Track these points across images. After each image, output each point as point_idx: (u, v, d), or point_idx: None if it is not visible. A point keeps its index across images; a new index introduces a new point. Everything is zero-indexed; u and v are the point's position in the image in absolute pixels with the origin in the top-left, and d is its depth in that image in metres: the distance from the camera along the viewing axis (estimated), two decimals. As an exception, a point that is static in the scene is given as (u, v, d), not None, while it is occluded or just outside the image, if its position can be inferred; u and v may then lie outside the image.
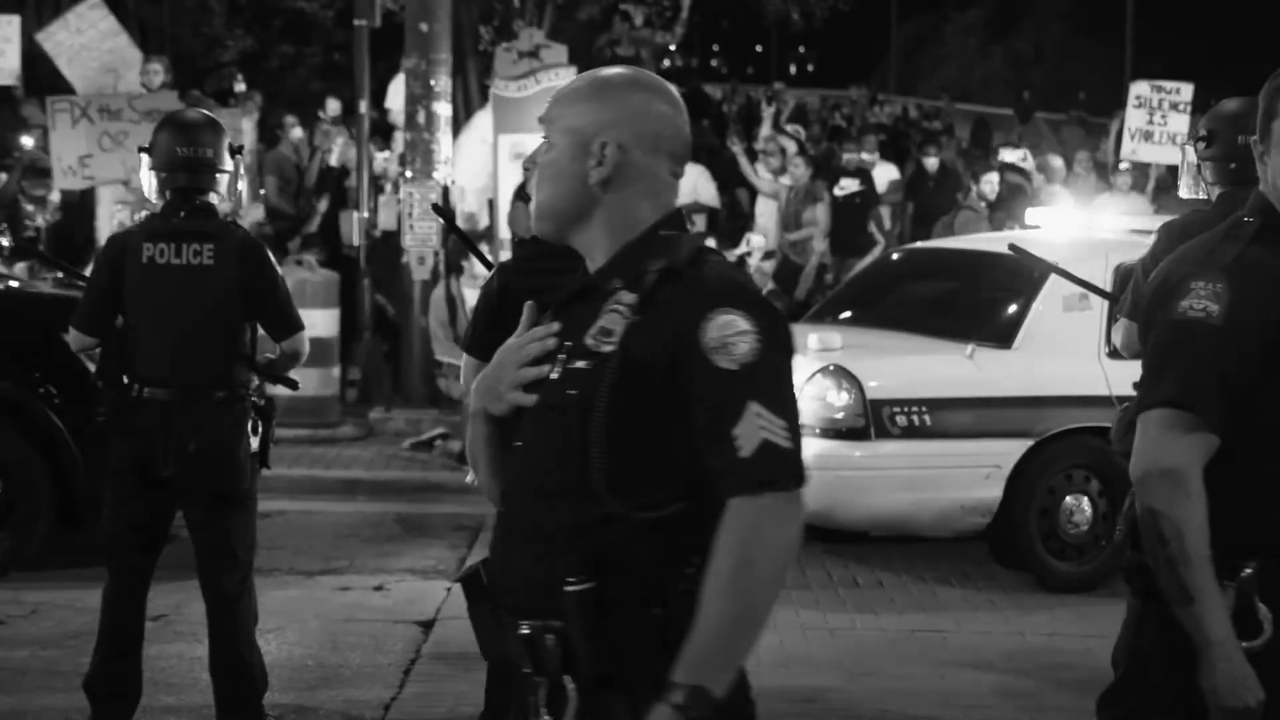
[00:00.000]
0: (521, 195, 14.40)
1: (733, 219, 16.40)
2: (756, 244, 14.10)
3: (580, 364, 2.89)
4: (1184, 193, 6.32)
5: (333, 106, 17.01)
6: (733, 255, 13.68)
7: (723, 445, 2.77)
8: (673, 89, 3.07)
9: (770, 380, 2.81)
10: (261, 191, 14.33)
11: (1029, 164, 16.32)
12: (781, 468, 2.77)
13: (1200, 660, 3.24)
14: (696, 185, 15.63)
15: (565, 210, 3.02)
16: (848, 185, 15.29)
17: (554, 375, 2.93)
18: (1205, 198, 5.94)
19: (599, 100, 3.00)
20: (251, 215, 12.59)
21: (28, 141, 13.91)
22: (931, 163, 17.17)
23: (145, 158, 6.14)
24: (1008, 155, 15.62)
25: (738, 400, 2.77)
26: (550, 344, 2.97)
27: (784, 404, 2.80)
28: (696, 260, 2.92)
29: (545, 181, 3.04)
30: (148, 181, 6.15)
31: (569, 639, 2.82)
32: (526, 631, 2.86)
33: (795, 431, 2.80)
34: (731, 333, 2.80)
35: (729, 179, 16.81)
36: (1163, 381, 3.34)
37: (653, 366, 2.84)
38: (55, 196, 13.07)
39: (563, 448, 2.87)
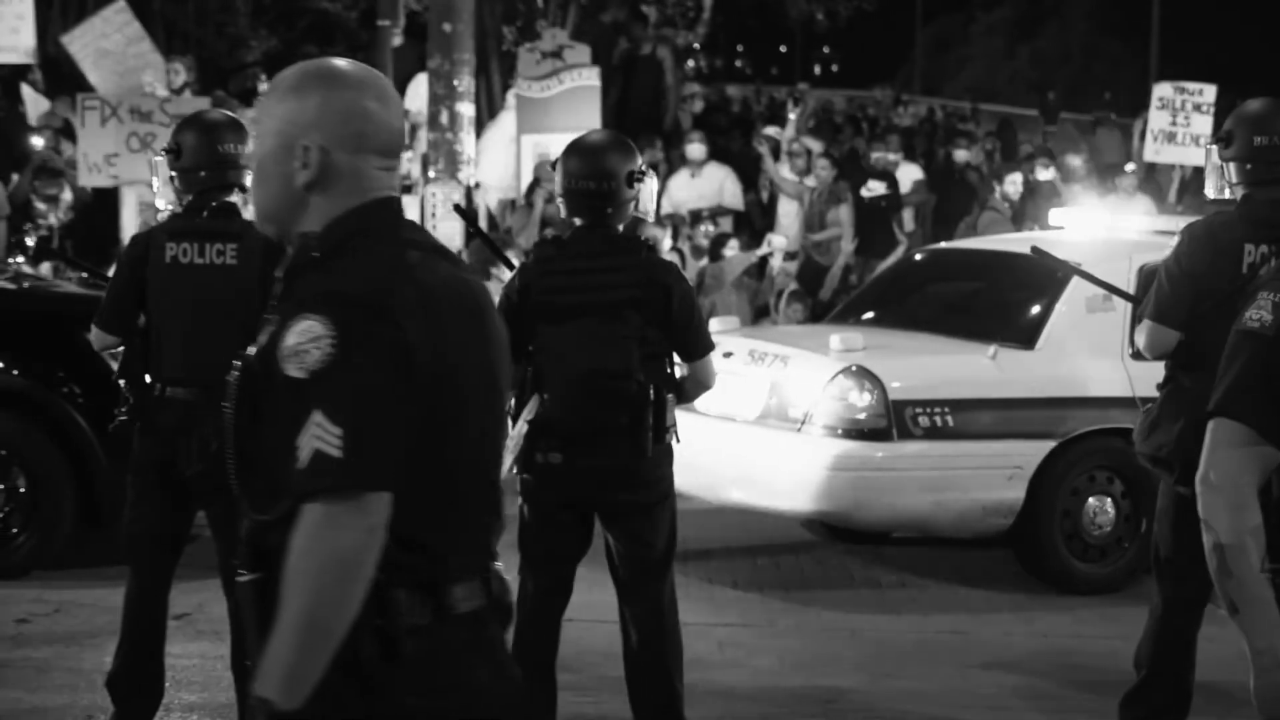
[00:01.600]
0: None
1: (765, 216, 16.39)
2: (778, 244, 14.07)
3: (234, 377, 2.97)
4: (1210, 193, 6.33)
5: None
6: (754, 256, 13.65)
7: (290, 455, 2.76)
8: (383, 80, 3.05)
9: (338, 387, 2.76)
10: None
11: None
12: (329, 477, 2.74)
13: (1250, 668, 3.25)
14: (723, 187, 15.61)
15: (277, 211, 3.02)
16: (875, 188, 15.27)
17: None
18: (1232, 198, 5.93)
19: (301, 100, 2.98)
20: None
21: (38, 142, 14.00)
22: (961, 155, 17.12)
23: (163, 160, 6.13)
24: (1042, 174, 15.57)
25: (305, 409, 2.76)
26: None
27: (348, 411, 2.75)
28: (319, 261, 2.91)
29: (257, 182, 3.05)
30: (164, 184, 6.14)
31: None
32: None
33: (356, 438, 2.74)
34: (306, 340, 2.78)
35: (753, 180, 16.81)
36: (1217, 391, 3.35)
37: (260, 376, 2.87)
38: (68, 196, 13.13)
39: None
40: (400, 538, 2.82)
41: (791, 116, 17.28)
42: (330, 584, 2.73)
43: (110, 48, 14.12)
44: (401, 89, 16.87)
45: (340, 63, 3.07)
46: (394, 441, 2.79)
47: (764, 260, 14.07)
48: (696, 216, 14.44)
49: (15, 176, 13.57)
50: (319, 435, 2.73)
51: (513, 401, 5.81)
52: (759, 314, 13.54)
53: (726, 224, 14.98)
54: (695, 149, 15.72)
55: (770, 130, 16.96)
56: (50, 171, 13.01)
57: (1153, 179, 16.02)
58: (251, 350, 2.93)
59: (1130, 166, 15.07)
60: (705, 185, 15.48)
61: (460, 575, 2.93)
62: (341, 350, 2.76)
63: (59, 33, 15.46)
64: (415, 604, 2.86)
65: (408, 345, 2.82)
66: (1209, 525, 3.25)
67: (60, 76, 15.99)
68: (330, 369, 2.76)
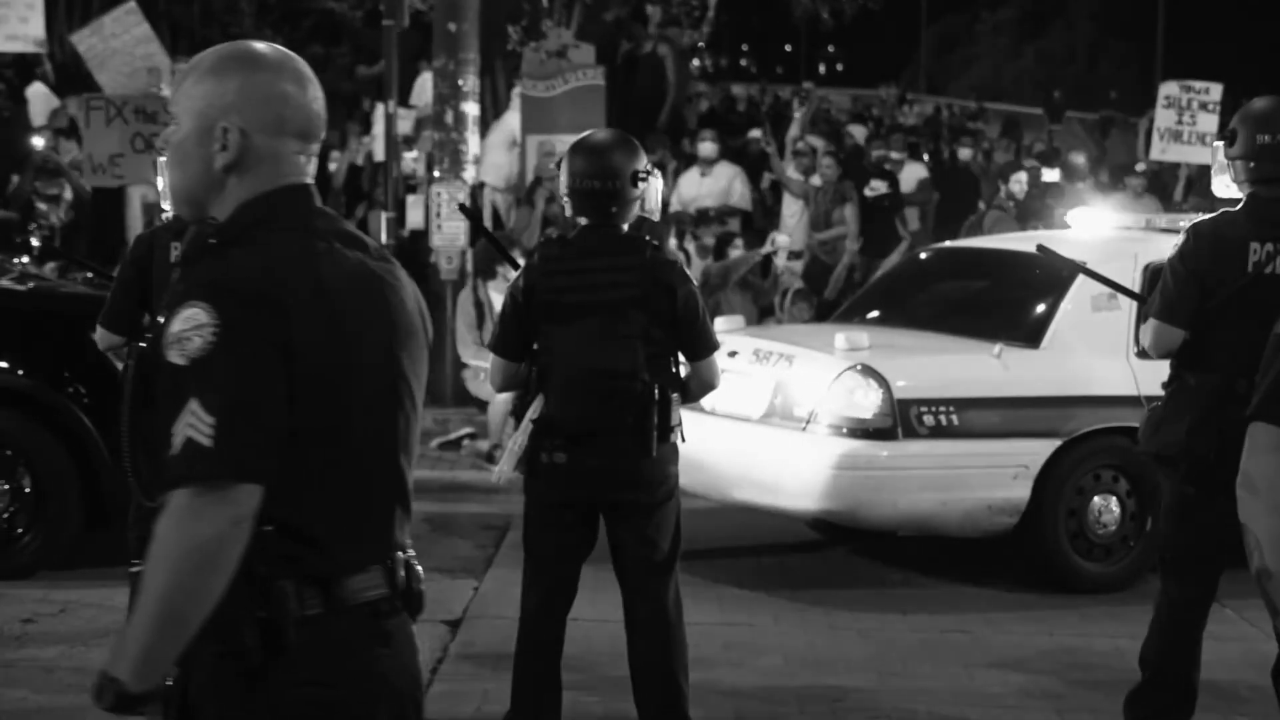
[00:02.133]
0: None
1: (767, 215, 16.38)
2: (782, 243, 14.07)
3: (130, 364, 3.03)
4: (1218, 191, 6.33)
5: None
6: (759, 254, 13.66)
7: (168, 442, 2.77)
8: (299, 63, 3.04)
9: (215, 377, 2.76)
10: None
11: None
12: (198, 465, 2.74)
13: None
14: (732, 187, 15.61)
15: (196, 193, 3.01)
16: (877, 187, 15.27)
17: None
18: (1240, 196, 5.94)
19: (220, 82, 2.97)
20: None
21: (38, 142, 14.03)
22: (966, 154, 17.12)
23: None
24: (1049, 175, 15.58)
25: (183, 396, 2.76)
26: None
27: (223, 400, 2.75)
28: (215, 248, 2.91)
29: (174, 165, 3.04)
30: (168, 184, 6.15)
31: None
32: None
33: (228, 428, 2.74)
34: (190, 327, 2.78)
35: (757, 178, 16.81)
36: (1256, 395, 3.36)
37: (153, 363, 2.87)
38: (69, 195, 13.15)
39: None
40: (288, 529, 2.83)
41: (797, 115, 17.30)
42: (189, 572, 2.73)
43: (119, 48, 14.15)
44: (405, 81, 16.87)
45: (258, 45, 3.06)
46: (269, 434, 2.79)
47: (768, 259, 14.07)
48: (704, 216, 14.43)
49: (16, 178, 13.61)
50: (192, 423, 2.74)
51: (518, 401, 5.82)
52: (764, 313, 13.54)
53: (733, 224, 14.98)
54: (707, 147, 15.72)
55: (755, 133, 16.96)
56: (50, 171, 13.04)
57: (1159, 178, 16.02)
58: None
59: (1140, 166, 15.04)
60: (714, 184, 15.49)
61: (357, 565, 2.93)
62: (223, 340, 2.76)
63: (66, 31, 15.49)
64: (304, 595, 2.87)
65: (293, 338, 2.82)
66: (1248, 528, 3.25)
67: (70, 76, 16.02)
68: (209, 358, 2.76)
